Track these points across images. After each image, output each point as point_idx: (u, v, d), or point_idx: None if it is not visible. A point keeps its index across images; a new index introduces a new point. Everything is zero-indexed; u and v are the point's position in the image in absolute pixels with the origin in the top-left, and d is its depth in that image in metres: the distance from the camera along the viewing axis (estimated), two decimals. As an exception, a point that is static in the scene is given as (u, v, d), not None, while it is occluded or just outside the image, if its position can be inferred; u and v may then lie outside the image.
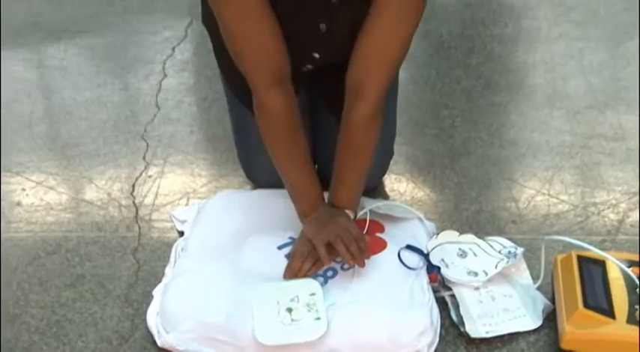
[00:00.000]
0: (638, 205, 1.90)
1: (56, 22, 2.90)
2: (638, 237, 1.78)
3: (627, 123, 2.21)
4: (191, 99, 2.40)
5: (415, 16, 1.57)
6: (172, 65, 2.56)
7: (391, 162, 1.95)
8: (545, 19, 2.84)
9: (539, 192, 1.97)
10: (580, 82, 2.45)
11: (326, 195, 1.70)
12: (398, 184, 1.99)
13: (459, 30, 2.78)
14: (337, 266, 1.57)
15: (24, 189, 1.96)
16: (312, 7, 1.57)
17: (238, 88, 1.75)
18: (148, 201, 1.94)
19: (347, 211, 1.64)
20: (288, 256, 1.63)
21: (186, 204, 1.92)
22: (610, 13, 2.90)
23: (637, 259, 1.57)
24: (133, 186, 1.98)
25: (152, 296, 1.59)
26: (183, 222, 1.81)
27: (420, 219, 1.78)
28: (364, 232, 1.67)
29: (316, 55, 1.69)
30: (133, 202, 1.93)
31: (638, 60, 2.52)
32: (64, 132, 2.24)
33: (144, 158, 2.09)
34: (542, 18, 2.85)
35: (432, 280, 1.59)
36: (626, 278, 1.48)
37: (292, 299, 1.51)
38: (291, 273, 1.57)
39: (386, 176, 1.98)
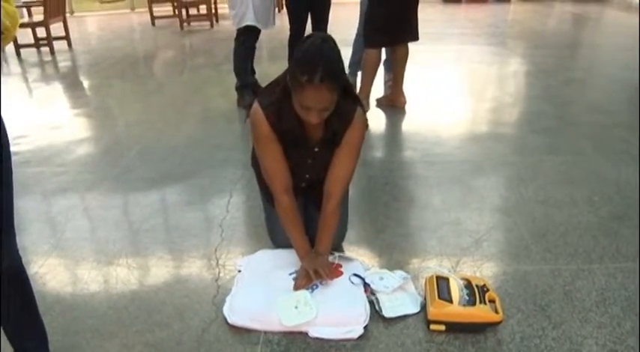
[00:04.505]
0: (459, 260, 2.06)
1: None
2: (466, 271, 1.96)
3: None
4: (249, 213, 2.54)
5: (357, 156, 1.81)
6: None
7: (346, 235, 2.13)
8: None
9: (418, 250, 2.13)
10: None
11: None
12: (348, 245, 2.14)
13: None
14: (318, 283, 1.80)
15: (159, 258, 2.13)
16: (303, 153, 1.81)
17: (268, 197, 1.97)
18: (223, 256, 2.11)
19: (324, 256, 1.87)
20: (294, 278, 1.83)
21: (242, 257, 2.08)
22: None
23: (465, 277, 1.80)
24: (215, 249, 2.17)
25: (225, 300, 1.81)
26: (240, 265, 2.00)
27: (360, 261, 1.97)
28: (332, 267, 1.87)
29: (307, 176, 1.91)
30: (215, 256, 2.12)
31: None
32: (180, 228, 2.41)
33: (221, 235, 2.26)
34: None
35: (366, 291, 1.81)
36: (459, 285, 1.73)
37: (297, 301, 1.73)
38: (297, 286, 1.79)
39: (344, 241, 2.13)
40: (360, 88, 3.91)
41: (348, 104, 1.74)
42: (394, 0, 3.60)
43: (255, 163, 1.98)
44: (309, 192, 2.00)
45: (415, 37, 3.81)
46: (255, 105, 1.73)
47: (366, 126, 1.81)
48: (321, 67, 1.52)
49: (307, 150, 1.81)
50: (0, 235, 1.26)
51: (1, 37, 1.16)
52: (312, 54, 1.54)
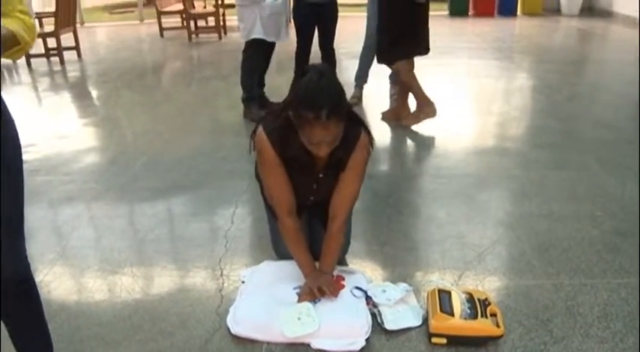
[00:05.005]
0: (462, 274, 2.07)
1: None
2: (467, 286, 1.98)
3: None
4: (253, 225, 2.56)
5: (362, 178, 1.84)
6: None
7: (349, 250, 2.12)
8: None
9: (421, 263, 2.16)
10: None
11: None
12: (352, 258, 2.15)
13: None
14: (320, 298, 1.81)
15: (164, 268, 2.17)
16: (308, 178, 1.84)
17: (271, 210, 1.97)
18: (227, 266, 2.14)
19: (328, 273, 1.89)
20: (298, 293, 1.86)
21: (246, 268, 2.10)
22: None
23: (467, 290, 1.83)
24: (220, 260, 2.19)
25: (229, 311, 1.83)
26: (244, 276, 2.03)
27: (363, 274, 2.00)
28: (335, 280, 1.90)
29: (312, 198, 1.93)
30: (220, 267, 2.14)
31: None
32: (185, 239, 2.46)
33: (225, 246, 2.29)
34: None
35: (368, 303, 1.83)
36: (460, 298, 1.76)
37: (300, 313, 1.75)
38: (300, 302, 1.80)
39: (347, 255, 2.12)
40: (416, 98, 3.89)
41: (353, 129, 1.75)
42: (406, 13, 3.60)
43: (259, 175, 1.99)
44: (314, 209, 2.02)
45: (427, 50, 3.84)
46: (260, 130, 1.75)
47: (372, 146, 1.82)
48: (326, 105, 1.54)
49: (312, 176, 1.83)
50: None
51: (18, 48, 1.20)
52: (313, 92, 1.56)
